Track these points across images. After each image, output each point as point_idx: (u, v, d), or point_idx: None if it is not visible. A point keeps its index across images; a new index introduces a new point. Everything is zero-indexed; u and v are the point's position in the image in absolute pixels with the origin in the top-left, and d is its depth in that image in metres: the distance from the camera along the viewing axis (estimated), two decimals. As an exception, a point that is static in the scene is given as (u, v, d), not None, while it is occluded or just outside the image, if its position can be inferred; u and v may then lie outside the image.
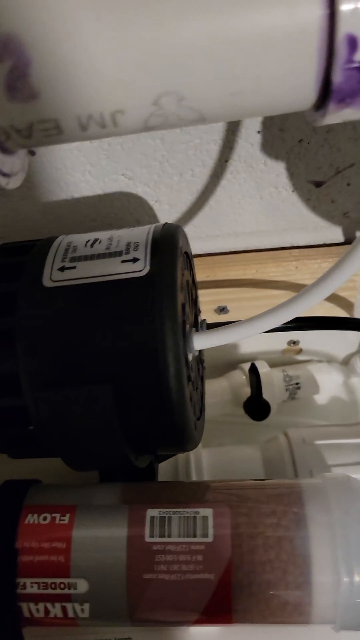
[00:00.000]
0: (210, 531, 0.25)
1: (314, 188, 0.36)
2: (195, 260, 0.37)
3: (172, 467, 0.36)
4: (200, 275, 0.39)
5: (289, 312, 0.26)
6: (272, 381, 0.44)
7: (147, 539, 0.25)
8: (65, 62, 0.17)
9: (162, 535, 0.25)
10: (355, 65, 0.17)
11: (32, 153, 0.31)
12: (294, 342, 0.45)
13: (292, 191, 0.36)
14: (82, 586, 0.25)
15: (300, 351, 0.46)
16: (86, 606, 0.25)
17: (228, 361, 0.46)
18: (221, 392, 0.44)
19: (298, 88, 0.19)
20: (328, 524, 0.25)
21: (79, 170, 0.34)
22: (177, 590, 0.24)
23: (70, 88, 0.18)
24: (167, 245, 0.27)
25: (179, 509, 0.26)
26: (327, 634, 0.26)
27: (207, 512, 0.26)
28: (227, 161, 0.34)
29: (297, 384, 0.45)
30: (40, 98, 0.18)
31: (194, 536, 0.25)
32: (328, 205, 0.37)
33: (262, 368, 0.43)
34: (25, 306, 0.26)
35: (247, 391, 0.43)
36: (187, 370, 0.26)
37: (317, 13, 0.17)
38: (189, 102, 0.19)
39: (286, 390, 0.45)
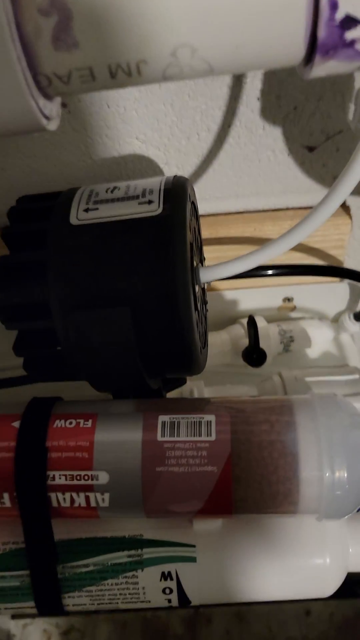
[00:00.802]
0: (213, 432, 0.29)
1: (307, 152, 0.40)
2: (200, 220, 0.41)
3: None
4: (204, 233, 0.43)
5: (280, 247, 0.30)
6: (268, 334, 0.48)
7: (159, 439, 0.29)
8: (100, 17, 0.21)
9: (172, 435, 0.29)
10: (336, 23, 0.21)
11: (64, 105, 0.35)
12: (289, 299, 0.49)
13: (288, 155, 0.40)
14: (103, 478, 0.29)
15: (294, 308, 0.50)
16: (106, 496, 0.29)
17: (229, 317, 0.50)
18: (222, 344, 0.48)
19: (291, 42, 0.23)
20: (314, 428, 0.29)
21: (97, 133, 0.38)
22: (185, 481, 0.29)
23: (103, 40, 0.22)
24: (178, 191, 0.31)
25: (186, 415, 0.30)
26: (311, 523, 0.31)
27: (211, 417, 0.30)
28: (229, 126, 0.38)
29: (291, 337, 0.49)
30: (79, 48, 0.22)
31: (200, 435, 0.29)
32: (320, 169, 0.41)
33: (260, 322, 0.48)
34: (55, 241, 0.30)
35: (245, 342, 0.47)
36: (195, 299, 0.30)
37: (305, -21, 0.21)
38: (200, 54, 0.23)
39: (281, 342, 0.49)
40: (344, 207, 0.44)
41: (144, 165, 0.40)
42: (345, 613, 1.00)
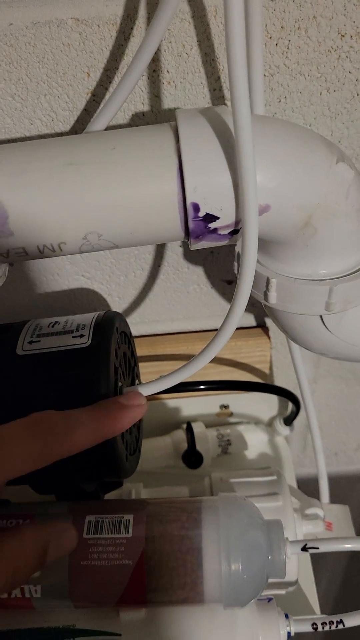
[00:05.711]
0: (130, 529, 0.34)
1: (226, 285, 0.48)
2: (139, 340, 0.48)
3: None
4: (144, 351, 0.50)
5: (182, 374, 0.37)
6: (207, 438, 0.54)
7: (85, 536, 0.34)
8: (29, 215, 0.29)
9: (95, 533, 0.34)
10: (199, 219, 0.29)
11: (11, 264, 0.43)
12: (225, 406, 0.55)
13: (211, 287, 0.48)
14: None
15: (231, 414, 0.57)
16: (38, 587, 0.34)
17: (173, 423, 0.56)
18: (165, 447, 0.54)
19: (172, 230, 0.31)
20: (216, 526, 0.35)
21: (50, 273, 0.46)
22: (104, 573, 0.34)
23: (33, 230, 0.30)
24: (105, 325, 0.38)
25: (109, 515, 0.35)
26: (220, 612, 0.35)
27: (129, 517, 0.35)
28: (159, 266, 0.46)
29: (228, 440, 0.55)
30: (14, 236, 0.30)
31: (119, 533, 0.34)
32: (240, 297, 0.49)
33: (198, 428, 0.54)
34: (3, 369, 0.37)
35: (186, 446, 0.53)
36: (119, 414, 0.37)
37: (175, 191, 0.29)
38: (105, 237, 0.31)
39: (219, 445, 0.54)
40: (264, 328, 0.52)
41: (90, 297, 0.48)
42: None
